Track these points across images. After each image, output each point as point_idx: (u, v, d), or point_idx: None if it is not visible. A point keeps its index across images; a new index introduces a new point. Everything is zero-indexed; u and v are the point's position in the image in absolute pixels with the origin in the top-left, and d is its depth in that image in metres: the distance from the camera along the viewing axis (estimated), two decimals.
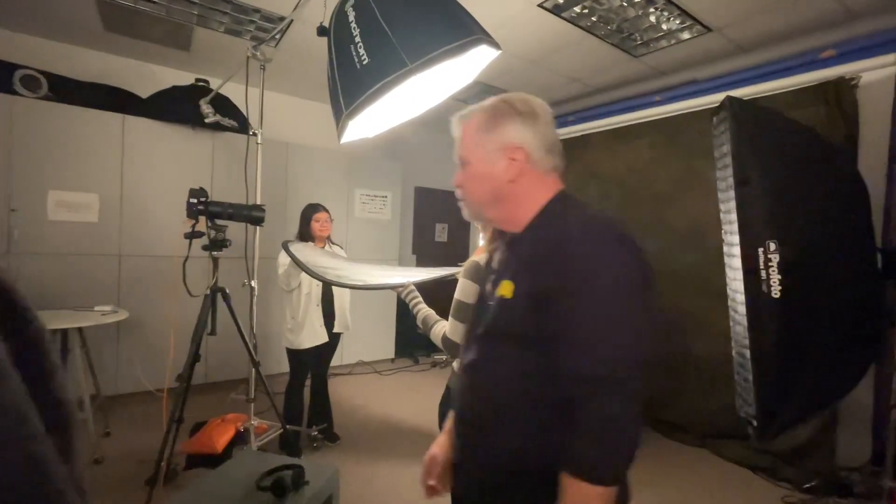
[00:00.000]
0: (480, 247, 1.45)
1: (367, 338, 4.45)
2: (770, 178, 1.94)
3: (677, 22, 2.74)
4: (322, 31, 1.60)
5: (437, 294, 1.77)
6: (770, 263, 1.89)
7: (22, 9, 2.92)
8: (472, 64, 1.54)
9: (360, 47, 1.41)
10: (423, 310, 1.42)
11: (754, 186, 1.94)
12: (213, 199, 3.67)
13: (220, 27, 3.06)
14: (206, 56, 3.56)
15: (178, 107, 3.35)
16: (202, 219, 2.02)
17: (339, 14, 1.48)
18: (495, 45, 1.43)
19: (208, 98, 2.46)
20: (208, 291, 2.11)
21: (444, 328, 1.29)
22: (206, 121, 2.53)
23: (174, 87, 3.50)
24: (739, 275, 1.98)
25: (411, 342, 4.80)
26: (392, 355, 4.77)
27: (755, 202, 1.95)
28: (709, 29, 2.79)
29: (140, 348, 3.31)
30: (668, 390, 3.19)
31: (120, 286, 3.22)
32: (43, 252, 2.93)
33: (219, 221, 2.06)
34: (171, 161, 3.42)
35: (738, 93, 2.91)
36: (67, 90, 3.15)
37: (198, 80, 3.58)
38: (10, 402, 0.23)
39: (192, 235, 1.97)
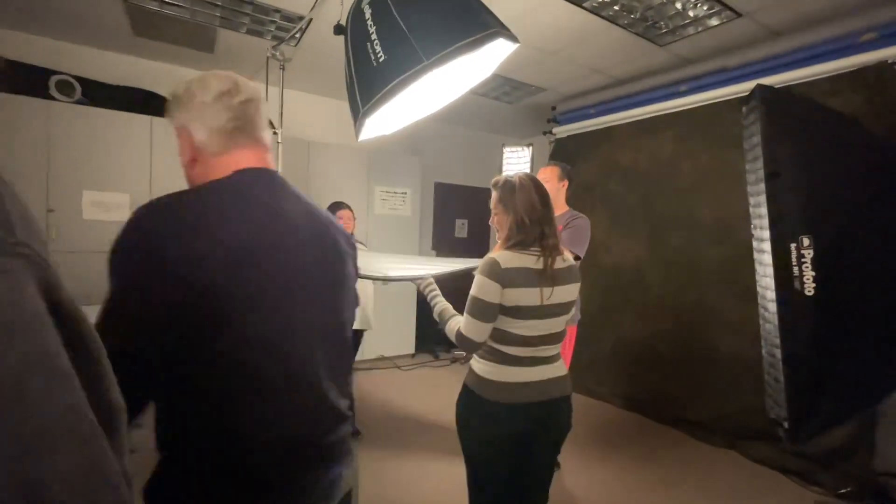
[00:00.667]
0: (495, 250, 1.44)
1: (387, 333, 4.49)
2: (802, 170, 1.85)
3: (705, 8, 2.63)
4: (339, 29, 1.60)
5: (459, 284, 1.77)
6: (803, 259, 1.80)
7: (57, 16, 3.03)
8: (490, 58, 1.52)
9: (377, 44, 1.41)
10: (441, 303, 1.42)
11: (785, 179, 1.86)
12: None
13: (241, 28, 3.12)
14: (229, 57, 3.63)
15: None
16: None
17: (356, 12, 1.48)
18: (513, 38, 1.41)
19: None
20: None
21: (458, 324, 1.29)
22: None
23: None
24: (770, 271, 1.90)
25: (431, 338, 4.82)
26: (412, 350, 4.80)
27: (786, 195, 1.86)
28: (739, 14, 2.67)
29: None
30: (692, 389, 3.12)
31: None
32: (79, 250, 3.07)
33: None
34: None
35: (770, 80, 2.79)
36: (99, 94, 3.27)
37: None
38: (73, 403, 0.24)
39: None
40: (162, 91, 3.64)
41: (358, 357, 4.07)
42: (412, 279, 1.53)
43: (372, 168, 4.42)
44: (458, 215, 5.79)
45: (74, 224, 3.06)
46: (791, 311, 1.84)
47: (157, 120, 3.35)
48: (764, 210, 1.89)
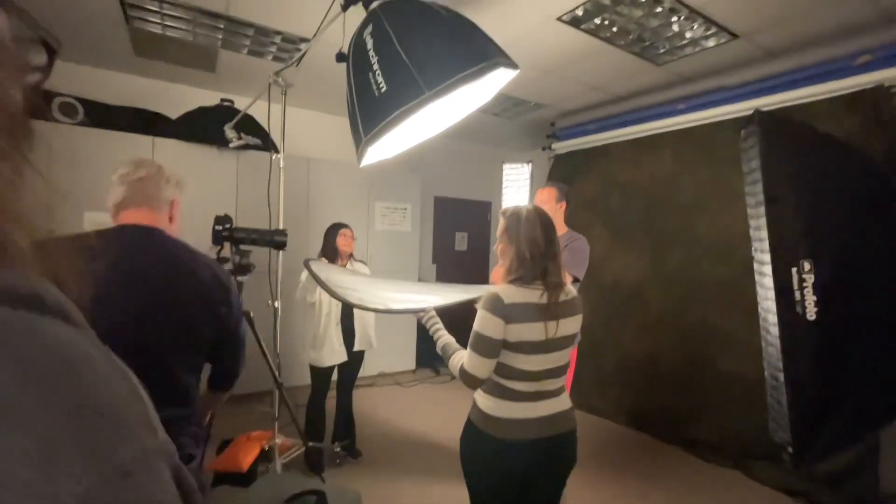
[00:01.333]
0: (497, 270, 1.43)
1: (388, 349, 4.47)
2: (802, 194, 1.86)
3: (702, 30, 2.67)
4: (341, 57, 1.62)
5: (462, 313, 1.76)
6: (804, 284, 1.81)
7: (61, 38, 3.05)
8: (490, 84, 1.53)
9: (379, 75, 1.42)
10: (444, 337, 1.41)
11: (785, 203, 1.87)
12: (239, 216, 3.77)
13: (243, 49, 3.15)
14: (230, 76, 3.66)
15: (204, 127, 3.45)
16: (227, 245, 2.05)
17: (358, 41, 1.49)
18: (513, 65, 1.43)
19: (232, 123, 2.52)
20: None
21: (462, 359, 1.28)
22: (231, 146, 2.60)
23: (200, 108, 3.61)
24: (771, 294, 1.90)
25: (432, 354, 4.80)
26: (413, 366, 4.78)
27: (786, 219, 1.87)
28: (735, 35, 2.70)
29: None
30: (696, 407, 3.10)
31: None
32: None
33: (242, 247, 2.09)
34: (197, 180, 3.52)
35: (767, 101, 2.82)
36: (101, 115, 3.28)
37: (223, 99, 3.69)
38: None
39: (218, 262, 2.01)
40: (163, 110, 3.67)
41: (359, 374, 4.05)
42: (414, 311, 1.52)
43: (372, 184, 4.43)
44: (457, 228, 5.80)
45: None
46: (793, 335, 1.84)
47: (158, 140, 3.37)
48: (764, 233, 1.89)
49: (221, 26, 2.81)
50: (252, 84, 3.72)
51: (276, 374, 2.19)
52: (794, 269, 1.81)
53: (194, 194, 3.49)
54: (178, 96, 3.81)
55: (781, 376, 1.87)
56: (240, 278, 2.08)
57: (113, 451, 0.22)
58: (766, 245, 1.89)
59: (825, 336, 1.81)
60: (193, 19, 2.73)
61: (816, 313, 1.80)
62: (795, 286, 1.81)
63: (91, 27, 2.88)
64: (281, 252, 2.29)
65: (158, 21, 2.78)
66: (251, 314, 2.19)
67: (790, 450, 1.90)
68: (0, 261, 0.25)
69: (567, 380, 1.74)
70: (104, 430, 0.23)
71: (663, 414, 3.28)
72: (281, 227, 2.30)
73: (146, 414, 0.27)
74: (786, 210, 1.85)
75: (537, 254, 1.28)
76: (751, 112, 1.98)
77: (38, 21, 0.34)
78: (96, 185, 3.10)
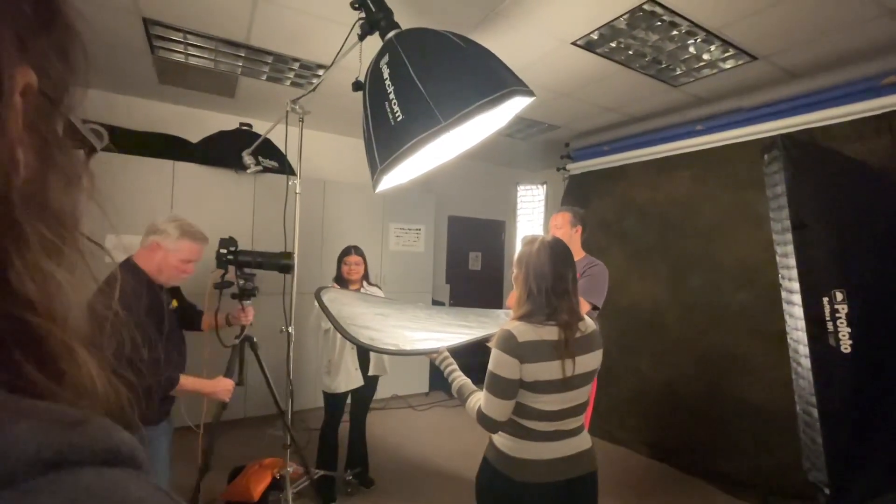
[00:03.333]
0: (514, 294, 1.38)
1: (401, 372, 4.41)
2: (831, 221, 1.80)
3: (719, 52, 2.64)
4: (357, 86, 1.63)
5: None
6: (837, 315, 1.72)
7: (92, 72, 3.18)
8: (506, 110, 1.53)
9: (395, 104, 1.42)
10: (459, 378, 1.37)
11: (814, 230, 1.80)
12: (255, 238, 3.81)
13: (261, 76, 3.22)
14: (249, 102, 3.75)
15: (223, 151, 3.52)
16: (231, 268, 2.05)
17: (374, 70, 1.50)
18: (529, 93, 1.42)
19: (250, 150, 2.56)
20: (237, 341, 2.10)
21: (479, 401, 1.23)
22: (248, 171, 2.63)
23: (220, 132, 3.70)
24: (802, 324, 1.82)
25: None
26: (427, 389, 4.71)
27: (815, 247, 1.80)
28: (754, 57, 2.67)
29: None
30: (720, 439, 2.96)
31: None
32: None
33: (247, 270, 2.07)
34: (216, 203, 3.58)
35: (789, 122, 2.76)
36: (126, 140, 3.38)
37: (242, 124, 3.77)
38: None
39: (222, 286, 1.98)
40: (185, 134, 3.76)
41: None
42: (427, 353, 1.48)
43: (386, 206, 4.45)
44: (471, 248, 5.77)
45: (99, 267, 3.10)
46: (827, 368, 1.75)
47: (179, 164, 3.44)
48: (792, 261, 1.82)
49: (242, 54, 2.89)
50: (270, 108, 3.81)
51: (280, 402, 2.16)
52: (825, 299, 1.73)
53: (212, 217, 3.57)
54: (199, 120, 3.91)
55: (815, 412, 1.77)
56: (244, 303, 2.07)
57: None
58: (794, 273, 1.82)
59: (862, 370, 1.72)
60: (215, 48, 2.81)
61: (851, 346, 1.71)
62: (828, 316, 1.72)
63: (118, 56, 2.99)
64: (295, 274, 2.29)
65: (182, 50, 2.86)
66: (255, 339, 2.17)
67: (827, 491, 1.78)
68: (61, 389, 0.24)
69: (587, 413, 1.68)
70: None
71: (685, 444, 3.15)
72: (296, 249, 2.29)
73: None
74: (814, 237, 1.78)
75: (544, 288, 1.23)
76: (773, 135, 1.94)
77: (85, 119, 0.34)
78: (125, 208, 3.19)
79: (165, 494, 0.24)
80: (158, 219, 1.72)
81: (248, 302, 2.09)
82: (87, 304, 0.26)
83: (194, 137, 3.72)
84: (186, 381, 1.75)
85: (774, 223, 1.94)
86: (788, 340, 1.95)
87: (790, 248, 1.82)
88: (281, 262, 2.09)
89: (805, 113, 2.70)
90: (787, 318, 1.93)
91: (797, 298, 1.80)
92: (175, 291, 1.94)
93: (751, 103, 3.06)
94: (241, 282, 2.05)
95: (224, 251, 1.98)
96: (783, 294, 1.96)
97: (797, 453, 1.99)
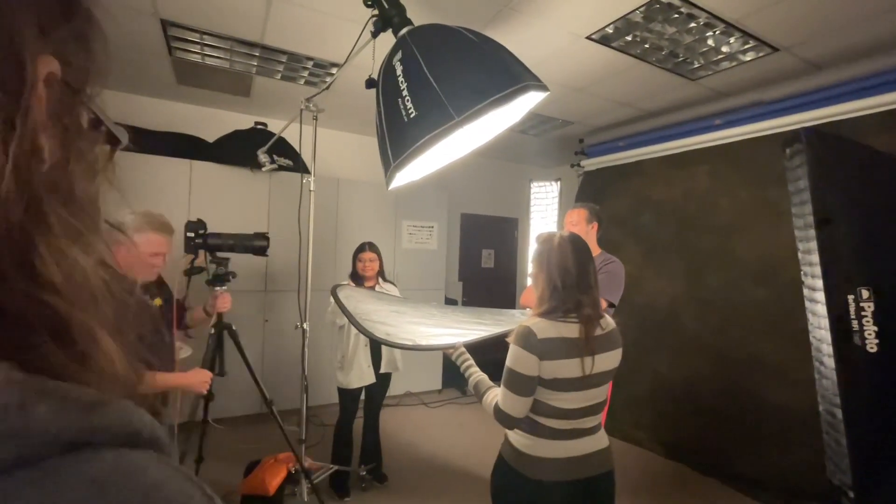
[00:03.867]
0: (529, 289, 1.37)
1: (414, 368, 4.43)
2: (856, 216, 1.74)
3: (739, 43, 2.57)
4: (370, 83, 1.63)
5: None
6: (863, 313, 1.67)
7: (109, 69, 3.25)
8: (519, 105, 1.51)
9: (408, 101, 1.42)
10: (475, 374, 1.36)
11: (838, 226, 1.75)
12: (271, 237, 3.85)
13: (276, 75, 3.25)
14: (264, 101, 3.79)
15: (239, 150, 3.57)
16: (203, 253, 1.92)
17: (387, 68, 1.50)
18: (543, 88, 1.40)
19: (265, 148, 2.58)
20: (212, 329, 1.97)
21: (496, 397, 1.23)
22: (263, 170, 2.66)
23: (236, 131, 3.75)
24: (825, 323, 1.77)
25: (458, 374, 4.72)
26: (439, 386, 4.72)
27: (840, 243, 1.75)
28: (775, 49, 2.59)
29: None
30: (738, 439, 2.91)
31: None
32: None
33: (220, 254, 1.93)
34: (232, 201, 3.64)
35: (812, 115, 2.68)
36: (145, 140, 3.44)
37: (257, 123, 3.81)
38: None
39: (192, 272, 1.83)
40: (201, 134, 3.82)
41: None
42: (443, 348, 1.48)
43: (399, 204, 4.46)
44: (484, 245, 5.75)
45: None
46: (851, 368, 1.70)
47: (195, 163, 3.50)
48: (815, 258, 1.77)
49: (256, 54, 2.92)
50: (284, 107, 3.84)
51: (265, 393, 2.14)
52: (850, 297, 1.68)
53: (228, 215, 3.62)
54: (215, 120, 3.97)
55: (839, 413, 1.73)
56: (219, 288, 1.92)
57: None
58: (817, 270, 1.77)
59: (888, 370, 1.66)
60: (230, 48, 2.85)
61: (878, 345, 1.66)
62: (853, 315, 1.67)
63: (138, 58, 3.05)
64: (310, 271, 2.30)
65: (198, 51, 2.91)
66: (233, 327, 2.09)
67: (851, 494, 1.73)
68: (84, 371, 0.24)
69: (604, 412, 1.66)
70: None
71: (703, 445, 3.10)
72: (311, 246, 2.30)
73: None
74: (839, 233, 1.73)
75: (569, 283, 1.22)
76: (795, 128, 1.88)
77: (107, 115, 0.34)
78: (143, 206, 3.24)
79: (186, 477, 0.24)
80: (122, 213, 1.54)
81: (223, 287, 1.94)
82: (108, 289, 0.27)
83: (211, 137, 3.78)
84: (156, 378, 1.59)
85: (797, 219, 1.89)
86: (811, 339, 1.89)
87: (813, 245, 1.77)
88: (255, 244, 1.97)
89: (829, 105, 2.62)
90: (809, 316, 1.88)
91: (820, 296, 1.75)
92: (160, 288, 1.79)
93: (772, 96, 2.98)
94: (214, 266, 1.91)
95: (192, 234, 1.83)
96: (805, 291, 1.91)
97: (819, 455, 1.94)
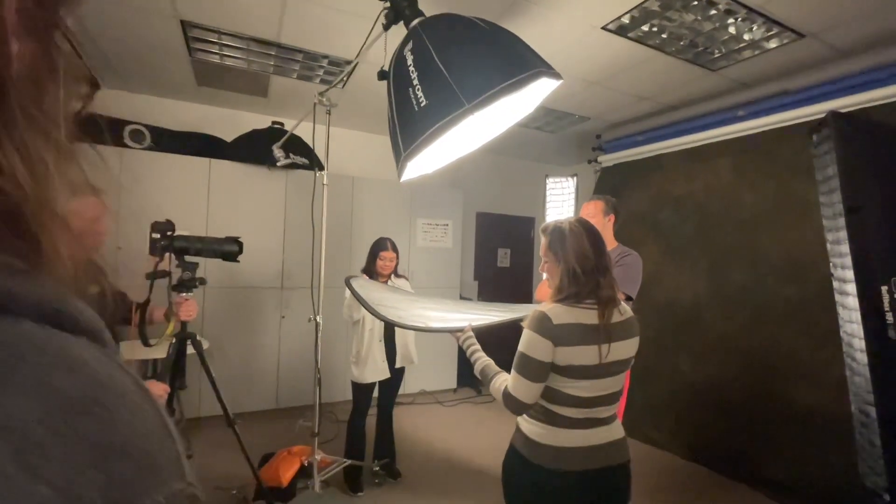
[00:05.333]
0: (542, 287, 1.34)
1: (429, 367, 4.42)
2: (888, 204, 1.66)
3: (762, 30, 2.49)
4: (382, 75, 1.63)
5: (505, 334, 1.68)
6: None
7: (133, 73, 3.36)
8: (532, 95, 1.49)
9: (419, 90, 1.41)
10: (482, 359, 1.34)
11: (869, 214, 1.67)
12: (287, 232, 3.90)
13: (292, 74, 3.30)
14: (281, 100, 3.85)
15: (256, 149, 3.63)
16: (169, 256, 1.79)
17: (398, 58, 1.50)
18: (556, 75, 1.37)
19: (280, 143, 2.61)
20: (173, 339, 1.82)
21: (505, 382, 1.20)
22: (279, 164, 2.69)
23: (253, 131, 3.81)
24: (857, 316, 1.68)
25: (473, 373, 4.69)
26: (454, 385, 4.69)
27: (871, 232, 1.67)
28: (801, 35, 2.50)
29: (220, 373, 3.53)
30: (765, 441, 2.80)
31: (203, 315, 3.49)
32: (142, 285, 3.26)
33: (188, 258, 1.79)
34: (249, 198, 3.70)
35: (841, 103, 2.58)
36: (166, 140, 3.54)
37: (274, 122, 3.87)
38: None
39: (156, 275, 1.69)
40: (220, 134, 3.90)
41: (399, 391, 4.03)
42: (451, 331, 1.46)
43: (414, 201, 4.47)
44: (500, 245, 5.71)
45: (139, 260, 3.25)
46: (886, 363, 1.61)
47: (214, 162, 3.57)
48: (845, 248, 1.69)
49: (273, 53, 2.97)
50: (301, 107, 3.89)
51: (226, 408, 2.03)
52: (884, 288, 1.59)
53: (245, 212, 3.68)
54: (234, 120, 4.05)
55: (873, 411, 1.64)
56: (184, 295, 1.79)
57: (138, 500, 0.20)
58: (847, 260, 1.69)
59: None
60: (248, 48, 2.90)
61: None
62: (887, 307, 1.59)
63: (160, 61, 3.14)
64: (323, 264, 2.31)
65: (217, 51, 2.97)
66: (197, 337, 1.99)
67: (886, 497, 1.64)
68: (32, 263, 0.24)
69: (619, 406, 1.61)
70: (131, 476, 0.20)
71: (727, 447, 2.99)
72: (324, 240, 2.31)
73: (175, 451, 0.24)
74: (871, 221, 1.65)
75: (589, 267, 1.18)
76: (822, 115, 1.80)
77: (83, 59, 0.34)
78: (163, 204, 3.34)
79: (123, 370, 0.23)
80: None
81: (190, 294, 1.81)
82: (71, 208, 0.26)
83: (229, 137, 3.86)
84: None
85: (825, 208, 1.81)
86: (841, 334, 1.81)
87: (843, 234, 1.69)
88: (224, 249, 1.83)
89: (858, 93, 2.51)
90: (839, 309, 1.80)
91: (851, 288, 1.67)
92: (95, 271, 1.70)
93: (797, 85, 2.88)
94: (180, 272, 1.77)
95: (157, 236, 1.70)
96: (835, 284, 1.83)
97: (851, 457, 1.85)
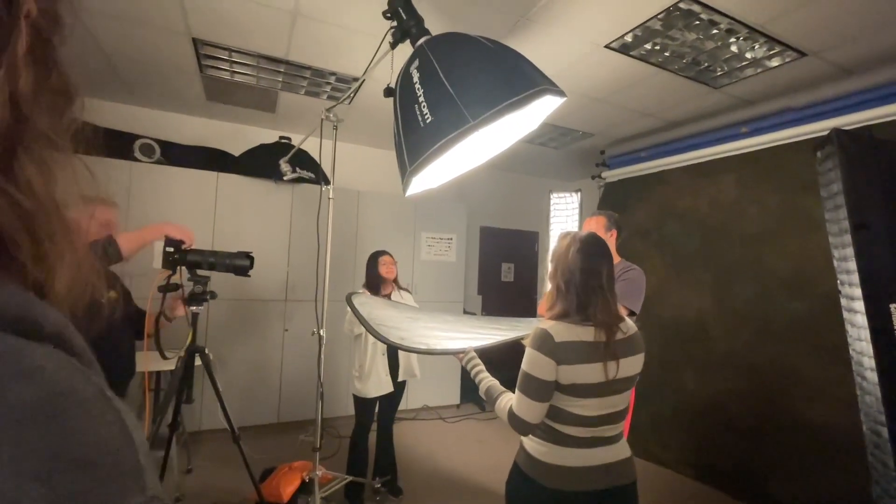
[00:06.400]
0: (544, 300, 1.32)
1: (432, 382, 4.38)
2: (895, 220, 1.65)
3: (764, 49, 2.52)
4: (389, 92, 1.66)
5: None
6: None
7: (144, 88, 3.43)
8: (536, 112, 1.51)
9: (424, 106, 1.43)
10: (486, 379, 1.33)
11: (876, 231, 1.66)
12: (292, 245, 3.92)
13: (300, 90, 3.36)
14: (288, 116, 3.91)
15: (263, 163, 3.68)
16: (182, 269, 1.81)
17: (405, 75, 1.53)
18: (560, 93, 1.39)
19: (287, 157, 2.65)
20: (183, 353, 1.87)
21: (510, 402, 1.18)
22: (285, 178, 2.72)
23: (260, 145, 3.87)
24: (866, 334, 1.66)
25: (477, 389, 4.64)
26: (457, 401, 4.64)
27: (878, 249, 1.66)
28: (803, 53, 2.53)
29: (223, 385, 3.52)
30: (773, 461, 2.74)
31: (207, 327, 3.49)
32: (147, 297, 3.27)
33: (200, 272, 1.82)
34: (255, 212, 3.73)
35: (845, 120, 2.59)
36: (175, 154, 3.59)
37: (281, 137, 3.93)
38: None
39: (168, 288, 1.73)
40: (228, 148, 3.96)
41: (401, 406, 3.99)
42: (454, 352, 1.45)
43: (418, 215, 4.49)
44: (504, 259, 5.71)
45: (146, 272, 3.28)
46: None
47: (222, 176, 3.62)
48: (852, 265, 1.68)
49: (282, 70, 3.02)
50: (308, 122, 3.95)
51: (231, 423, 2.02)
52: (893, 306, 1.58)
53: (251, 225, 3.71)
54: (242, 135, 4.11)
55: (884, 431, 1.61)
56: (193, 308, 1.83)
57: None
58: (854, 278, 1.67)
59: None
60: (257, 64, 2.96)
61: None
62: None
63: (171, 77, 3.21)
64: (327, 280, 2.32)
65: (227, 68, 3.03)
66: (206, 351, 2.02)
67: None
68: (5, 266, 0.24)
69: (625, 423, 1.59)
70: (83, 489, 0.20)
71: (735, 467, 2.93)
72: (328, 253, 2.32)
73: (135, 462, 0.23)
74: (877, 238, 1.64)
75: (573, 285, 1.16)
76: (827, 132, 1.81)
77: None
78: (171, 217, 3.38)
79: (84, 377, 0.23)
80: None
81: (199, 308, 1.86)
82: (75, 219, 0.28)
83: (237, 151, 3.92)
84: None
85: (831, 224, 1.80)
86: (850, 352, 1.78)
87: (850, 251, 1.68)
88: (236, 263, 1.84)
89: (862, 110, 2.52)
90: (847, 327, 1.77)
91: (859, 305, 1.65)
92: (115, 280, 1.66)
93: (800, 102, 2.89)
94: (192, 285, 1.79)
95: (170, 250, 1.72)
96: (843, 301, 1.81)
97: (863, 478, 1.81)
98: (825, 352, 2.55)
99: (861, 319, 1.66)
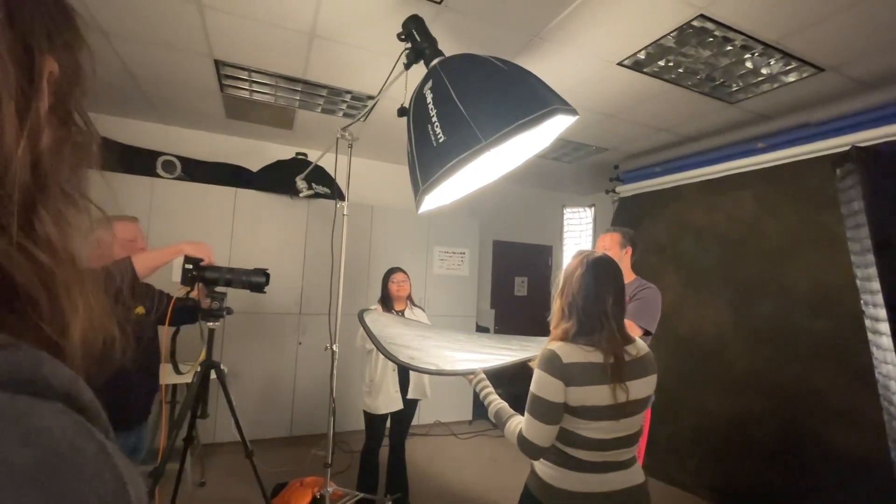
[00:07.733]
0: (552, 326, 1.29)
1: (444, 398, 4.35)
2: None
3: (780, 65, 2.50)
4: (402, 112, 1.69)
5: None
6: None
7: (166, 107, 3.55)
8: (548, 130, 1.52)
9: (437, 126, 1.46)
10: (496, 402, 1.32)
11: None
12: (307, 260, 3.97)
13: (316, 108, 3.43)
14: (305, 133, 4.00)
15: (280, 179, 3.75)
16: (200, 286, 1.86)
17: (418, 96, 1.56)
18: (571, 111, 1.40)
19: (303, 175, 2.70)
20: (199, 367, 1.91)
21: (519, 425, 1.17)
22: (301, 195, 2.77)
23: (278, 161, 3.96)
24: (892, 357, 1.61)
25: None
26: (470, 417, 4.59)
27: None
28: (820, 69, 2.50)
29: (236, 399, 3.55)
30: (796, 485, 2.64)
31: (222, 339, 3.54)
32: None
33: (217, 289, 1.87)
34: (272, 226, 3.80)
35: (865, 135, 2.54)
36: (196, 170, 3.70)
37: (298, 153, 4.02)
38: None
39: (185, 302, 1.80)
40: (246, 164, 4.06)
41: (414, 421, 3.96)
42: (464, 374, 1.45)
43: (431, 230, 4.51)
44: (517, 273, 5.68)
45: (165, 286, 3.35)
46: None
47: (240, 191, 3.70)
48: (876, 285, 1.64)
49: (299, 89, 3.11)
50: (324, 138, 4.03)
51: (244, 438, 2.05)
52: None
53: (268, 239, 3.77)
54: (260, 151, 4.21)
55: None
56: (209, 324, 1.87)
57: None
58: (879, 298, 1.62)
59: None
60: (276, 84, 3.05)
61: None
62: None
63: (193, 96, 3.32)
64: (341, 294, 2.34)
65: (247, 87, 3.13)
66: (221, 366, 2.04)
67: None
68: (20, 322, 0.25)
69: (640, 446, 1.55)
70: None
71: (756, 490, 2.82)
72: (342, 268, 2.34)
73: None
74: None
75: (576, 309, 1.15)
76: (846, 148, 1.78)
77: None
78: (190, 231, 3.46)
79: (89, 435, 0.23)
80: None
81: (215, 324, 1.91)
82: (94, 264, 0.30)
83: (255, 167, 4.01)
84: None
85: (853, 243, 1.76)
86: (877, 375, 1.72)
87: (873, 271, 1.64)
88: (252, 280, 1.88)
89: (883, 125, 2.47)
90: (873, 349, 1.72)
91: (885, 327, 1.60)
92: (144, 292, 1.73)
93: (818, 117, 2.85)
94: (209, 300, 1.85)
95: (189, 266, 1.77)
96: (867, 322, 1.76)
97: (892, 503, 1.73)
98: (851, 373, 2.46)
99: (887, 342, 1.61)
